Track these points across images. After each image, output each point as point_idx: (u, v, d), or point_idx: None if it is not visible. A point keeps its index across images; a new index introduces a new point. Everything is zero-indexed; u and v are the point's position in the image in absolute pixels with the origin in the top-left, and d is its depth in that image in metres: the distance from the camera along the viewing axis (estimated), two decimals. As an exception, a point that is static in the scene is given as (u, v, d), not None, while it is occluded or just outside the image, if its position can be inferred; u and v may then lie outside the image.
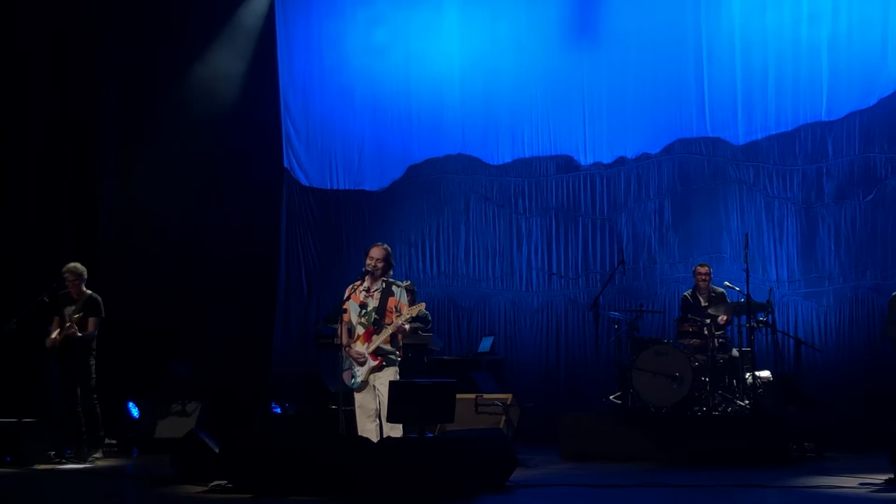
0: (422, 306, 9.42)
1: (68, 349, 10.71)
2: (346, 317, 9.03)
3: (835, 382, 11.89)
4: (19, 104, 13.65)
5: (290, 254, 14.44)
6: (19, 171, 13.62)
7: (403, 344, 9.30)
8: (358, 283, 9.08)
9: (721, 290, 11.70)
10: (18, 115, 13.64)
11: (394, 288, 9.02)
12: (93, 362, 10.88)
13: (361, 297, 9.03)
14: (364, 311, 8.97)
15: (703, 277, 11.73)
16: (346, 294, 9.08)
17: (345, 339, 9.01)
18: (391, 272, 9.19)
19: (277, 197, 14.47)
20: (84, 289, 10.95)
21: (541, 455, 10.62)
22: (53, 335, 10.77)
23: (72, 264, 11.01)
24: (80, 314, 10.72)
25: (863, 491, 8.25)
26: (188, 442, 9.17)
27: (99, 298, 10.95)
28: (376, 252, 9.06)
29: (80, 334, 10.67)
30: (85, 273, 11.00)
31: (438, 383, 8.69)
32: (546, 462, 10.33)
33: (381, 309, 8.93)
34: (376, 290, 9.00)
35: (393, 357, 8.95)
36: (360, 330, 8.96)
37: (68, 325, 10.64)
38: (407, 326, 9.10)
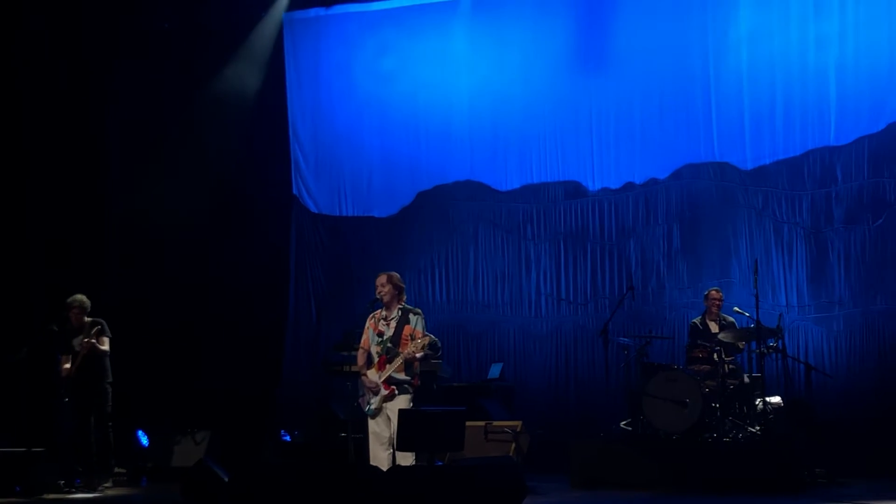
0: (426, 340, 9.11)
1: (85, 377, 10.75)
2: (365, 344, 9.11)
3: (846, 408, 11.81)
4: (26, 127, 13.72)
5: (300, 281, 14.46)
6: (27, 197, 13.68)
7: (413, 371, 9.29)
8: (378, 312, 9.16)
9: (731, 319, 11.67)
10: (27, 137, 13.71)
11: (410, 316, 9.07)
12: (109, 389, 10.93)
13: (379, 326, 9.10)
14: (380, 340, 9.03)
15: (717, 303, 11.70)
16: (367, 322, 9.19)
17: (360, 365, 9.09)
18: (404, 297, 9.24)
19: (286, 224, 14.50)
20: (84, 318, 11.03)
21: (551, 482, 10.59)
22: (67, 366, 10.81)
23: (78, 296, 11.08)
24: (90, 339, 10.77)
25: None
26: (198, 471, 9.16)
27: (102, 321, 11.01)
28: (380, 279, 9.20)
29: (102, 347, 10.77)
30: (88, 304, 11.09)
31: (447, 412, 8.68)
32: (556, 489, 10.30)
33: (396, 338, 8.97)
34: (393, 318, 9.09)
35: (406, 385, 8.97)
36: (375, 358, 9.02)
37: (87, 340, 10.70)
38: (418, 355, 9.04)
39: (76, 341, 10.85)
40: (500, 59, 13.85)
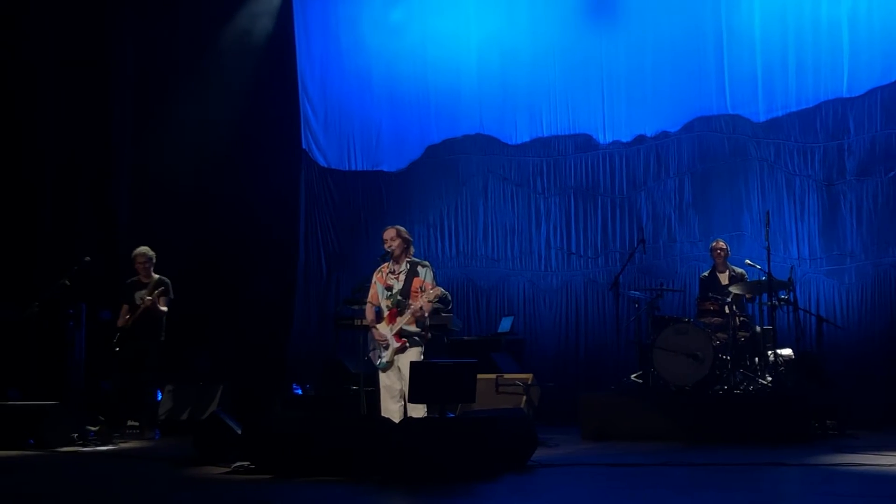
0: (437, 291, 9.17)
1: (138, 332, 10.86)
2: (373, 298, 9.10)
3: (857, 360, 11.82)
4: (35, 75, 13.67)
5: (309, 236, 14.47)
6: (35, 153, 13.66)
7: (424, 325, 9.30)
8: (385, 265, 9.14)
9: (741, 270, 11.65)
10: (36, 85, 13.66)
11: (419, 268, 9.06)
12: (160, 349, 11.11)
13: (387, 279, 9.09)
14: (389, 294, 9.03)
15: (720, 252, 11.66)
16: (373, 276, 9.18)
17: (370, 320, 9.09)
18: (412, 250, 9.23)
19: (296, 179, 14.47)
20: (153, 272, 11.08)
21: (562, 435, 10.61)
22: (127, 316, 10.90)
23: (141, 248, 11.22)
24: (152, 297, 10.86)
25: (885, 468, 8.20)
26: (211, 424, 9.19)
27: (168, 280, 11.08)
28: (387, 234, 9.17)
29: (163, 308, 10.93)
30: (154, 257, 11.15)
31: (459, 364, 8.68)
32: (567, 441, 10.32)
33: (406, 291, 8.98)
34: (401, 271, 9.07)
35: (417, 338, 8.97)
36: (385, 312, 9.02)
37: (148, 298, 10.79)
38: (427, 308, 9.04)
39: (139, 294, 10.95)
40: (509, 11, 13.76)
